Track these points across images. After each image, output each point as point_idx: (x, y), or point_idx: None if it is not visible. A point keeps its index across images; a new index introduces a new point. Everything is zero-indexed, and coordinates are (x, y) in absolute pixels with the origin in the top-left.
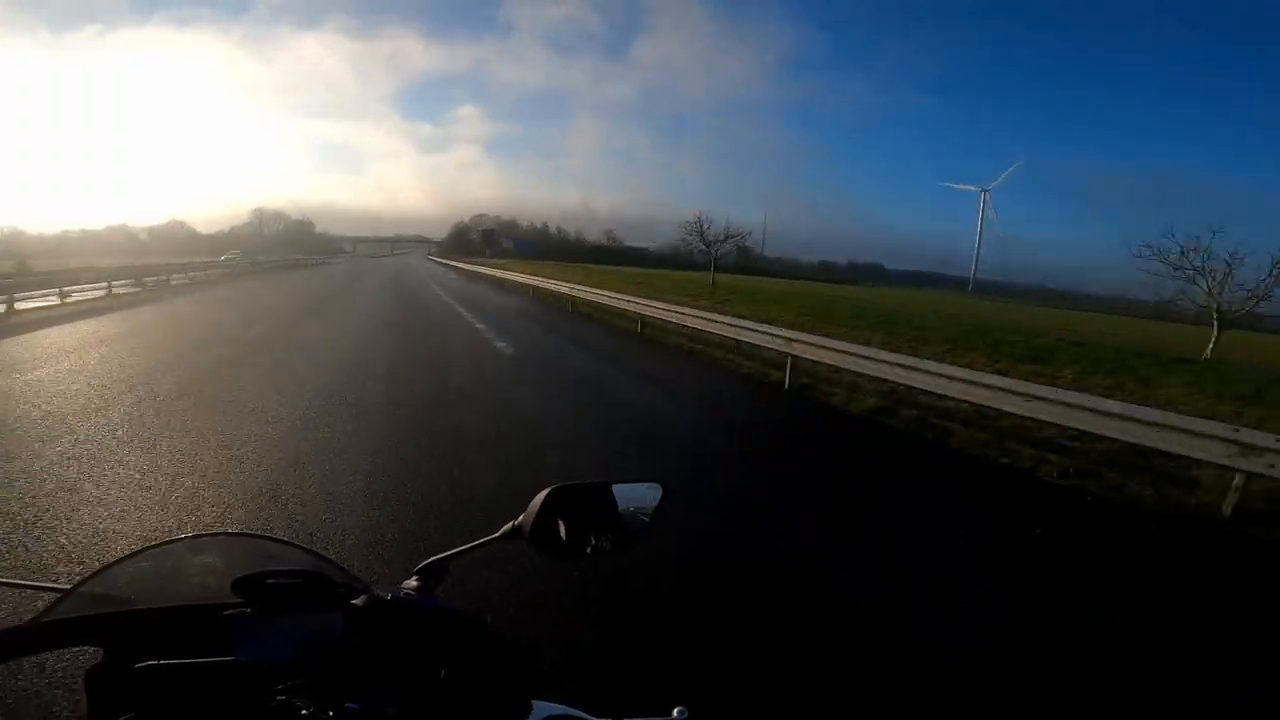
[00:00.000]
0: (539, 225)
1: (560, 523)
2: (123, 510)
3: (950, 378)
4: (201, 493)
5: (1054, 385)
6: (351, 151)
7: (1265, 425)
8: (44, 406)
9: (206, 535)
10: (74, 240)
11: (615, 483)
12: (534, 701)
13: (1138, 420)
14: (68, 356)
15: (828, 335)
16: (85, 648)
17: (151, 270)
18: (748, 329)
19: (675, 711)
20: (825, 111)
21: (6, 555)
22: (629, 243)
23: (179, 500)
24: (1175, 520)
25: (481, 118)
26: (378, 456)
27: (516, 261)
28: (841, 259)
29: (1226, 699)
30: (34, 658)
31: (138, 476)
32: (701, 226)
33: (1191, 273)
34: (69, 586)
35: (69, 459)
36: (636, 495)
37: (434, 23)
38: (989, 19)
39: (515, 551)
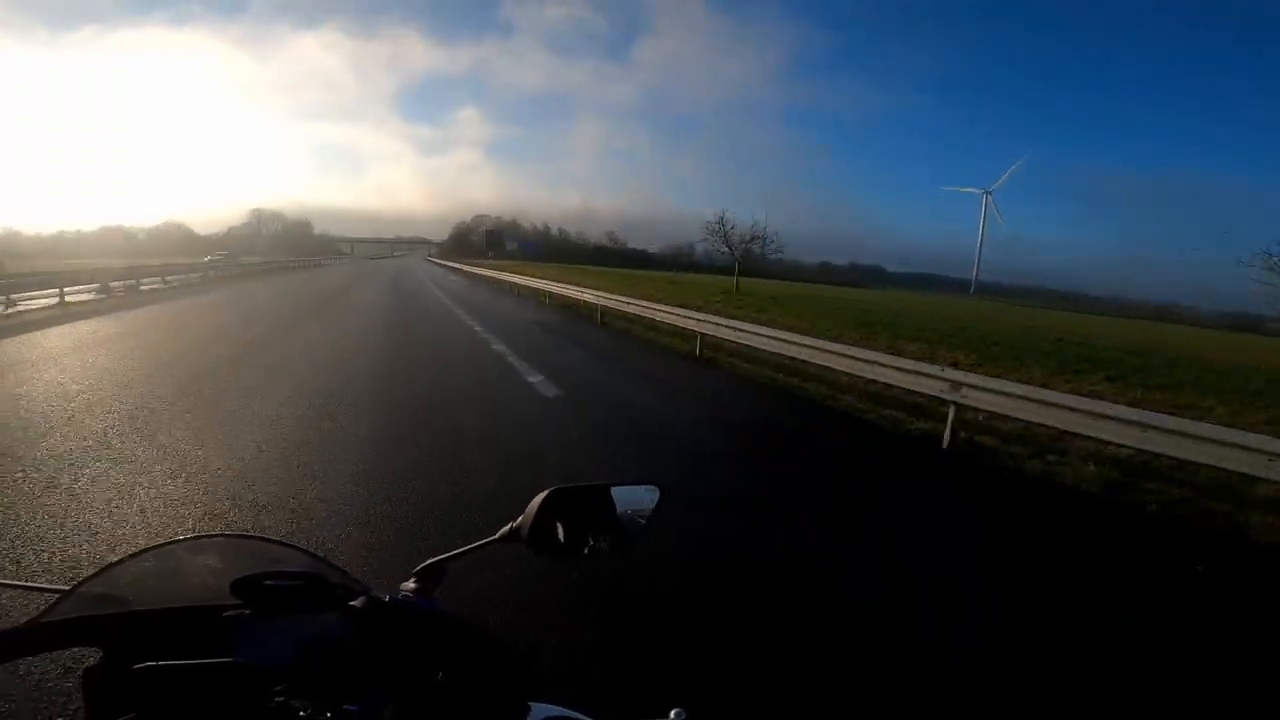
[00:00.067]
0: (540, 227)
1: (558, 525)
2: None
3: (1212, 440)
4: None
5: None
6: (351, 153)
7: None
8: None
9: (206, 536)
10: (69, 241)
11: (613, 484)
12: (531, 703)
13: None
14: None
15: (994, 374)
16: (85, 649)
17: (121, 273)
18: (881, 365)
19: (673, 713)
20: (825, 111)
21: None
22: (630, 244)
23: None
24: None
25: (482, 120)
26: None
27: (521, 264)
28: (842, 260)
29: None
30: (34, 659)
31: None
32: (725, 228)
33: None
34: (68, 587)
35: None
36: (635, 497)
37: (434, 23)
38: (990, 20)
39: (513, 554)
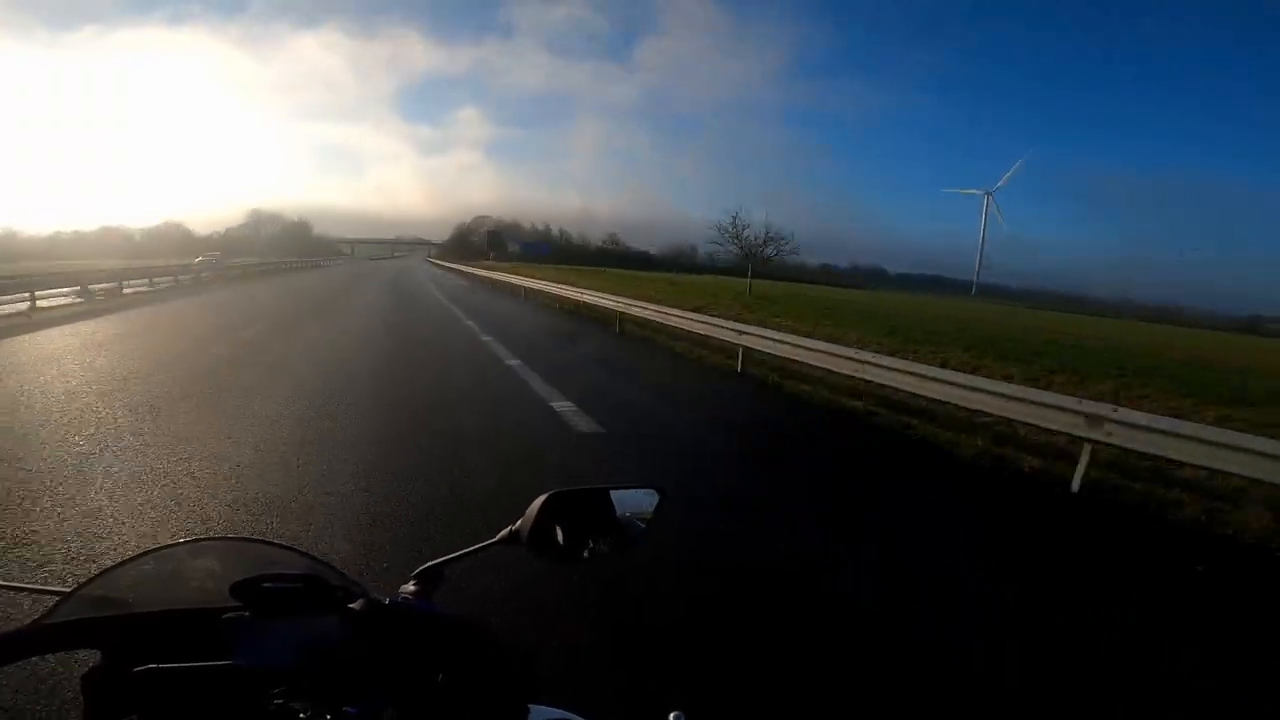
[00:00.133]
0: (540, 228)
1: (558, 528)
2: None
3: None
4: None
5: None
6: (351, 153)
7: None
8: None
9: (206, 540)
10: (66, 241)
11: (613, 487)
12: (531, 706)
13: None
14: None
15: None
16: (85, 651)
17: (103, 275)
18: (995, 393)
19: (671, 716)
20: (825, 111)
21: None
22: (631, 246)
23: None
24: None
25: (482, 120)
26: None
27: (524, 265)
28: (843, 262)
29: None
30: (37, 662)
31: None
32: (738, 229)
33: None
34: (69, 590)
35: None
36: (634, 500)
37: (434, 23)
38: (990, 20)
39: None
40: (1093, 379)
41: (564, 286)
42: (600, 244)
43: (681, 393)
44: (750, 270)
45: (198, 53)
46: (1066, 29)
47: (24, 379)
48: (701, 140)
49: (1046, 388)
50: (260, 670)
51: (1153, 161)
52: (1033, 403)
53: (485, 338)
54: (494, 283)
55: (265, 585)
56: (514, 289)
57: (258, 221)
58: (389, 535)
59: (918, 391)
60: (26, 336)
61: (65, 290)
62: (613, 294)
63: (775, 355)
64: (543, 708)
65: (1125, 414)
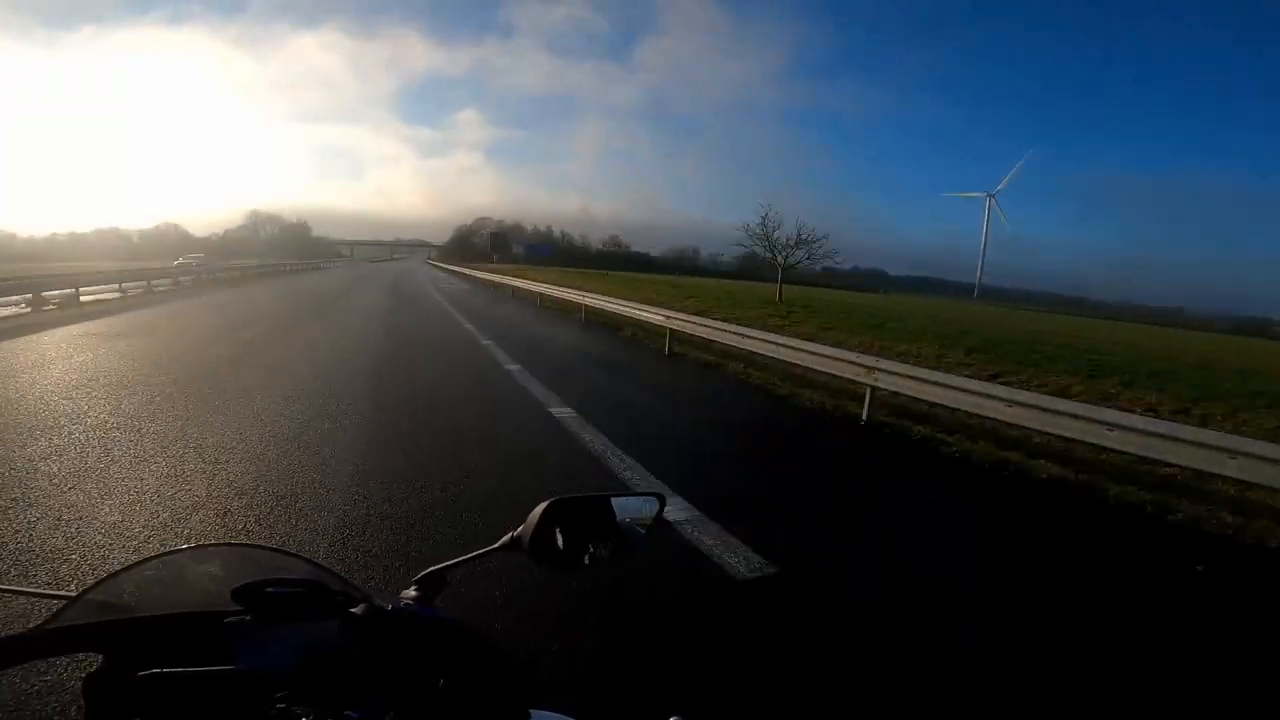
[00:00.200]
0: (542, 230)
1: (559, 534)
2: None
3: None
4: None
5: None
6: (351, 155)
7: None
8: None
9: (209, 545)
10: (63, 243)
11: (614, 495)
12: (532, 710)
13: None
14: None
15: None
16: (90, 655)
17: (64, 281)
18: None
19: None
20: (825, 112)
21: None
22: (633, 247)
23: None
24: None
25: (482, 122)
26: None
27: (529, 268)
28: (843, 263)
29: None
30: (41, 665)
31: None
32: (768, 230)
33: None
34: (73, 594)
35: None
36: (634, 507)
37: (434, 23)
38: (991, 22)
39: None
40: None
41: (585, 294)
42: (601, 246)
43: (798, 460)
44: (781, 276)
45: (197, 53)
46: (1066, 29)
47: None
48: (702, 141)
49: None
50: (262, 675)
51: (1153, 162)
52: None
53: (511, 367)
54: (499, 287)
55: (267, 590)
56: (525, 295)
57: (256, 223)
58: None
59: (1099, 442)
60: None
61: (14, 299)
62: (646, 303)
63: (908, 394)
64: (543, 713)
65: None
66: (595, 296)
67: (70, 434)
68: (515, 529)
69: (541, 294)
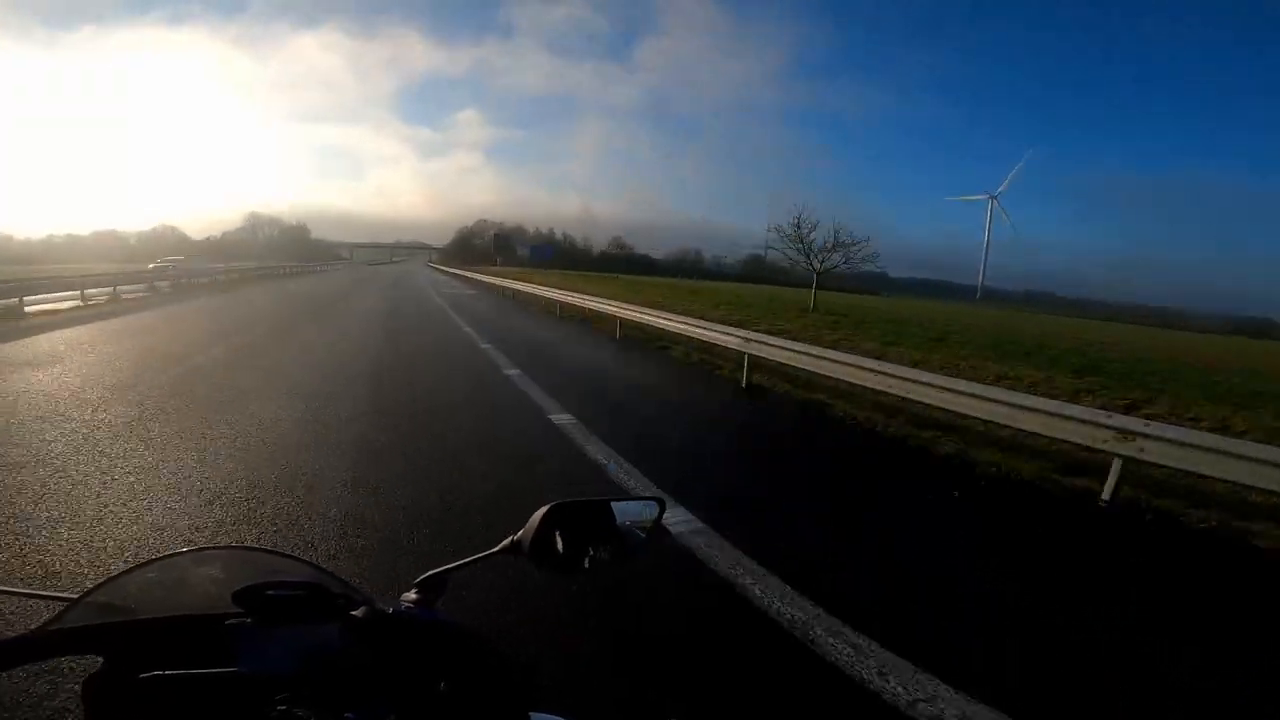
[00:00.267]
0: (544, 231)
1: (559, 538)
2: None
3: None
4: None
5: None
6: (351, 156)
7: None
8: None
9: (210, 548)
10: (60, 245)
11: (614, 499)
12: (531, 713)
13: None
14: None
15: None
16: (89, 657)
17: (14, 288)
18: None
19: None
20: (824, 112)
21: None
22: (634, 249)
23: None
24: None
25: (482, 122)
26: None
27: (534, 271)
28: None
29: None
30: (42, 667)
31: None
32: (802, 233)
33: None
34: (74, 596)
35: None
36: (635, 511)
37: (434, 23)
38: (991, 22)
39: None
40: None
41: (609, 302)
42: (605, 248)
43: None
44: (815, 282)
45: (196, 53)
46: (1066, 29)
47: None
48: (701, 141)
49: None
50: (263, 677)
51: (1153, 162)
52: None
53: (561, 418)
54: (510, 294)
55: (268, 593)
56: (542, 303)
57: (255, 225)
58: None
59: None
60: None
61: None
62: (691, 316)
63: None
64: (543, 715)
65: None
66: (623, 306)
67: None
68: (515, 532)
69: (560, 302)
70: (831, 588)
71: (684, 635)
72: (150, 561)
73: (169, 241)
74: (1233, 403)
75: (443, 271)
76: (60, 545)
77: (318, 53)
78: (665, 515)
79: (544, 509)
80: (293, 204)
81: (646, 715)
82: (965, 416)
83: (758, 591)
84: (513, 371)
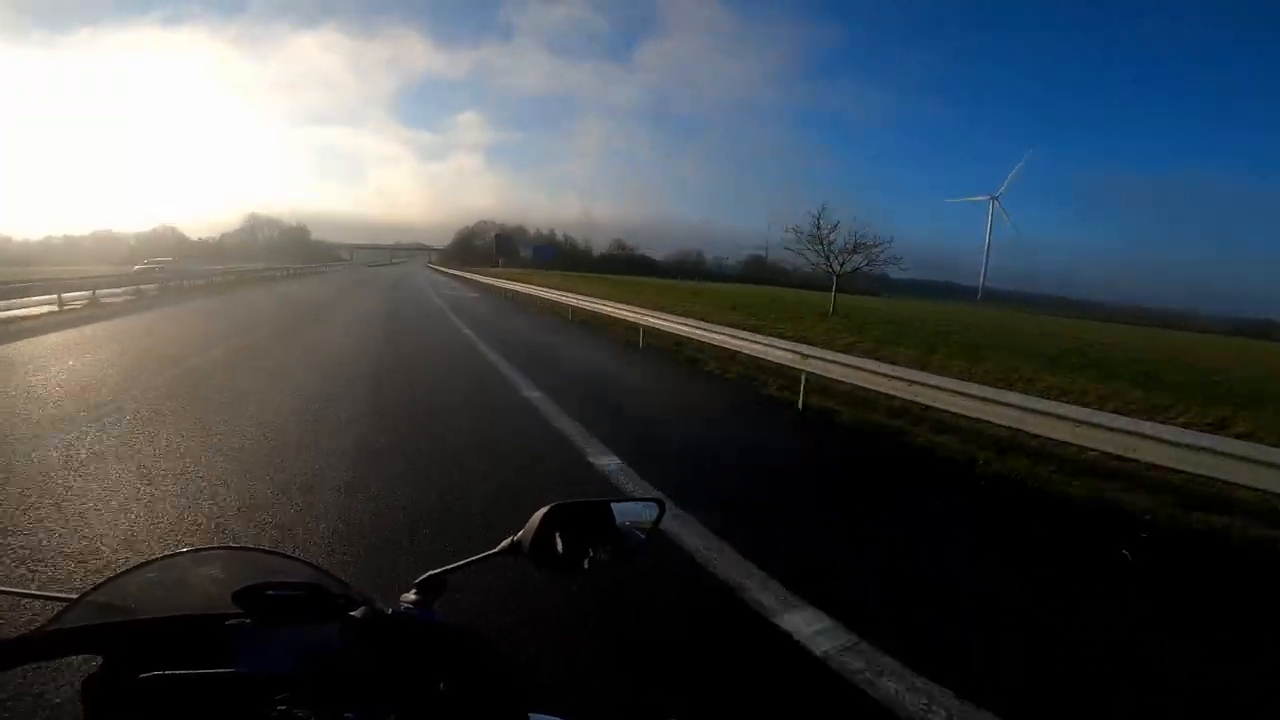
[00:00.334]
0: (544, 232)
1: (559, 539)
2: None
3: None
4: None
5: None
6: (350, 157)
7: None
8: None
9: (210, 548)
10: (58, 246)
11: (613, 501)
12: (531, 714)
13: None
14: None
15: None
16: (89, 657)
17: None
18: None
19: None
20: (824, 112)
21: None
22: (635, 250)
23: None
24: None
25: (482, 124)
26: None
27: (535, 273)
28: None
29: None
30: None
31: None
32: (822, 233)
33: None
34: (74, 596)
35: None
36: (634, 512)
37: (434, 23)
38: (993, 23)
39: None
40: None
41: (626, 308)
42: (604, 249)
43: None
44: (835, 285)
45: (195, 54)
46: (1066, 29)
47: None
48: (701, 141)
49: None
50: (262, 677)
51: (1153, 162)
52: None
53: (605, 462)
54: (517, 297)
55: (268, 593)
56: (539, 304)
57: (254, 226)
58: None
59: None
60: None
61: None
62: (726, 326)
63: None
64: (542, 716)
65: None
66: (641, 312)
67: None
68: (515, 533)
69: (573, 307)
70: None
71: None
72: (150, 561)
73: (168, 243)
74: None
75: (442, 273)
76: None
77: (317, 53)
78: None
79: (543, 510)
80: (293, 205)
81: (646, 716)
82: (1119, 458)
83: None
84: (534, 394)
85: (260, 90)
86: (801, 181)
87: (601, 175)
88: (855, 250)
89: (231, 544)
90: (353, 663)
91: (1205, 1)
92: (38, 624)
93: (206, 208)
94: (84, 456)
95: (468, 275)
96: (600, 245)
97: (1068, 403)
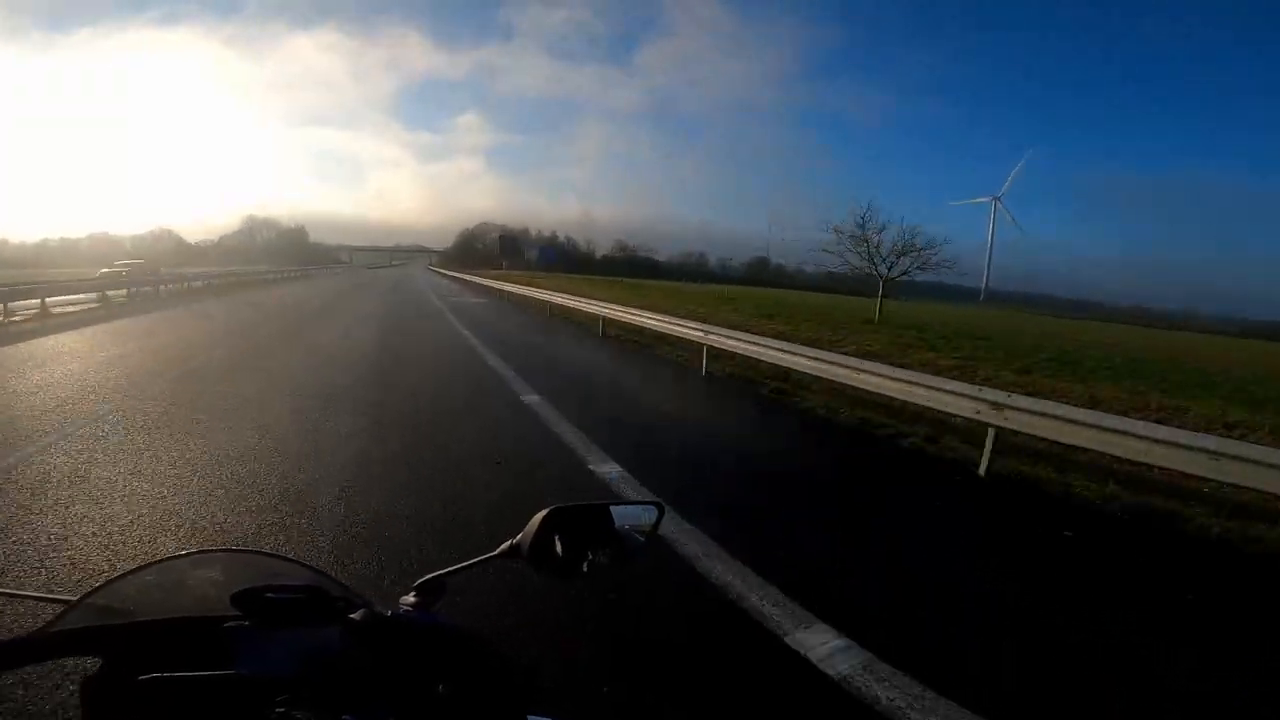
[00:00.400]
0: (545, 234)
1: (558, 542)
2: None
3: None
4: None
5: None
6: (350, 159)
7: None
8: None
9: (209, 550)
10: (54, 249)
11: (613, 504)
12: (530, 716)
13: None
14: None
15: None
16: (91, 659)
17: None
18: None
19: None
20: (825, 113)
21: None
22: (638, 253)
23: None
24: None
25: (483, 126)
26: None
27: (540, 276)
28: (844, 265)
29: None
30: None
31: None
32: (867, 235)
33: None
34: (73, 598)
35: None
36: (634, 515)
37: (434, 24)
38: (993, 23)
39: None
40: None
41: (676, 322)
42: (606, 251)
43: None
44: (882, 289)
45: (193, 54)
46: (1066, 29)
47: None
48: (702, 142)
49: None
50: (262, 679)
51: (1153, 162)
52: None
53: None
54: (530, 304)
55: (267, 595)
56: (579, 317)
57: (253, 228)
58: None
59: None
60: None
61: None
62: (815, 347)
63: None
64: (541, 718)
65: None
66: (695, 326)
67: None
68: (514, 536)
69: (604, 317)
70: None
71: None
72: (149, 564)
73: (166, 245)
74: None
75: (444, 275)
76: None
77: (316, 53)
78: None
79: (543, 513)
80: (291, 207)
81: (646, 718)
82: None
83: None
84: (600, 462)
85: (258, 91)
86: (802, 182)
87: (601, 177)
88: (904, 253)
89: (231, 547)
90: (352, 665)
91: (1205, 1)
92: (38, 625)
93: (204, 210)
94: None
95: (469, 278)
96: (602, 247)
97: None
